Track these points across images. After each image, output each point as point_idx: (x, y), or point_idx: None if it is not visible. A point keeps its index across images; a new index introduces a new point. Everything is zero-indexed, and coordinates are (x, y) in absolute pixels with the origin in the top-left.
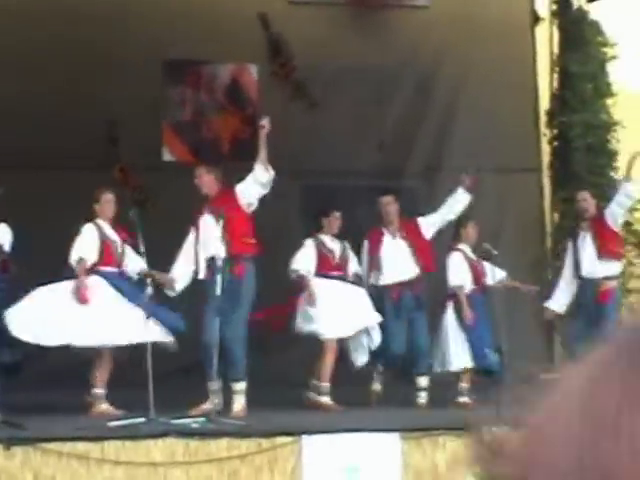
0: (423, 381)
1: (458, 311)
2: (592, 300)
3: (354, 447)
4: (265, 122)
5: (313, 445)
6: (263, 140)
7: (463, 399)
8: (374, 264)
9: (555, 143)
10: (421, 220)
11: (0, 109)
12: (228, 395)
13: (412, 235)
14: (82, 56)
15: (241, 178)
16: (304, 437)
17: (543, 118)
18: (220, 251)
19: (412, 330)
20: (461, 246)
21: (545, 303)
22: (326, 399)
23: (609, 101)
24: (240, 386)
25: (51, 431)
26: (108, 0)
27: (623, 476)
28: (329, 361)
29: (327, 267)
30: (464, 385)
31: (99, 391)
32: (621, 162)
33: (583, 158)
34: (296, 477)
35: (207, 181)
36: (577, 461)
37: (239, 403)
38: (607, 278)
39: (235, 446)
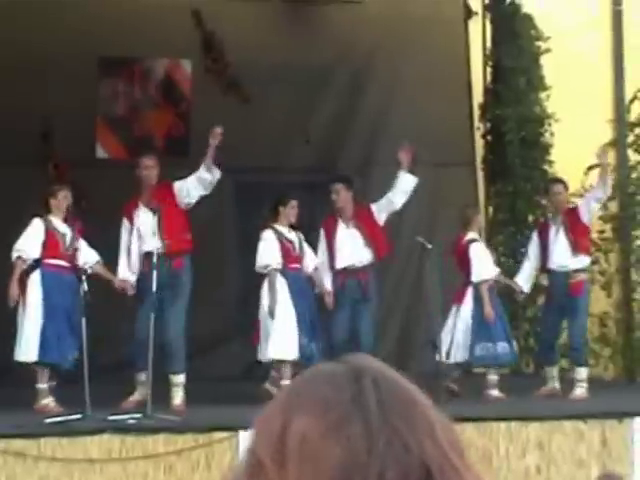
0: None
1: (476, 304)
2: (564, 293)
3: None
4: (219, 130)
5: None
6: (213, 145)
7: (492, 392)
8: (330, 251)
9: (489, 137)
10: (373, 206)
11: None
12: (167, 389)
13: (365, 222)
14: (17, 53)
15: (174, 174)
16: (241, 432)
17: (476, 112)
18: (157, 246)
19: (356, 320)
20: (476, 235)
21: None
22: None
23: (542, 94)
24: (179, 379)
25: None
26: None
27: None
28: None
29: (289, 259)
30: (492, 377)
31: (42, 386)
32: (554, 155)
33: (517, 151)
34: None
35: (150, 173)
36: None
37: (178, 396)
38: (577, 271)
39: (172, 442)
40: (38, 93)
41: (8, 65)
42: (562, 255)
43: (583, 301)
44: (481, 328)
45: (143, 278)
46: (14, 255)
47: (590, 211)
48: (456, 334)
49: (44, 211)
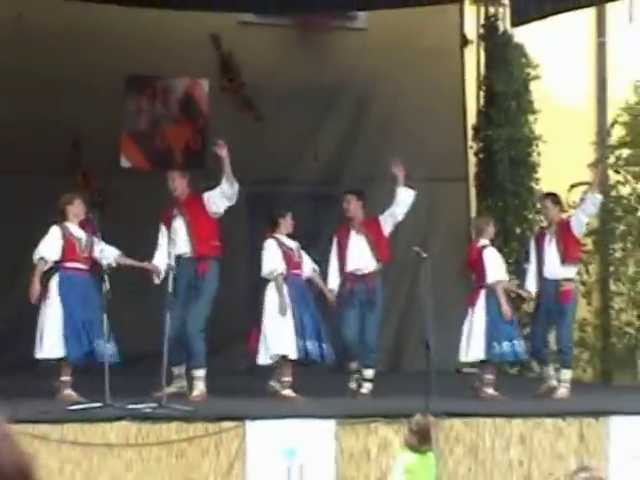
0: (369, 373)
1: (492, 307)
2: (553, 300)
3: (293, 432)
4: (221, 142)
5: (256, 429)
6: (226, 159)
7: (488, 390)
8: (341, 258)
9: (481, 155)
10: (381, 218)
11: None
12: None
13: (372, 231)
14: (51, 72)
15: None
16: (248, 422)
17: (470, 132)
18: (186, 251)
19: (363, 322)
20: (487, 242)
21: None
22: (288, 391)
23: (531, 117)
24: (199, 373)
25: (15, 414)
26: (73, 24)
27: None
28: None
29: (291, 265)
30: (489, 377)
31: (65, 378)
32: (541, 173)
33: (506, 169)
34: (240, 458)
35: (179, 184)
36: None
37: (198, 389)
38: (567, 279)
39: (184, 429)
40: (69, 108)
41: (43, 82)
42: (553, 264)
43: (571, 308)
44: (498, 327)
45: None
46: (36, 257)
47: (581, 224)
48: (473, 334)
49: (61, 218)
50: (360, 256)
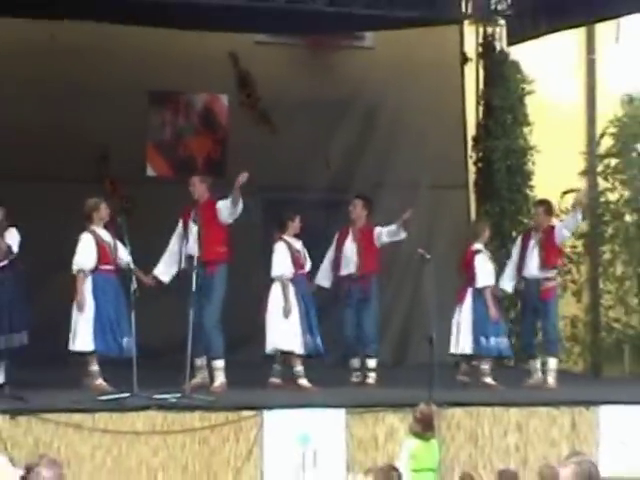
0: (372, 363)
1: (479, 305)
2: (536, 297)
3: (307, 420)
4: (246, 176)
5: (272, 418)
6: (238, 186)
7: (487, 379)
8: (336, 257)
9: (480, 164)
10: (376, 229)
11: (12, 134)
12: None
13: (365, 240)
14: (82, 87)
15: (212, 192)
16: (265, 411)
17: (470, 143)
18: (196, 252)
19: (360, 317)
20: (482, 246)
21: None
22: (303, 380)
23: (526, 129)
24: (219, 364)
25: (50, 403)
26: (101, 44)
27: None
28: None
29: (298, 266)
30: (484, 367)
31: (93, 368)
32: (535, 181)
33: (503, 177)
34: (257, 444)
35: (199, 189)
36: None
37: (219, 380)
38: (546, 279)
39: (206, 418)
40: (98, 120)
41: (74, 96)
42: (533, 266)
43: (553, 303)
44: (484, 324)
45: (188, 278)
46: (75, 268)
47: (562, 237)
48: (461, 329)
49: (88, 222)
50: (350, 261)
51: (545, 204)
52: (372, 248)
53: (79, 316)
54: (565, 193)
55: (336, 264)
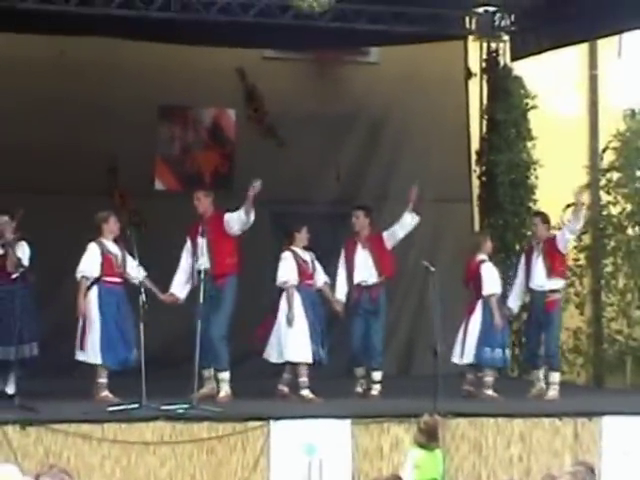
0: (377, 375)
1: (486, 316)
2: (541, 309)
3: (313, 430)
4: (259, 185)
5: (279, 428)
6: (251, 196)
7: (488, 391)
8: (349, 270)
9: (483, 178)
10: (384, 234)
11: (23, 148)
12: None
13: (376, 246)
14: (91, 102)
15: (219, 205)
16: (272, 422)
17: (474, 157)
18: (207, 266)
19: (368, 329)
20: (485, 257)
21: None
22: (306, 391)
23: (529, 144)
24: (224, 375)
25: (60, 414)
26: (110, 59)
27: None
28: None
29: (304, 276)
30: (488, 379)
31: (102, 380)
32: (538, 195)
33: (506, 191)
34: (264, 454)
35: (204, 203)
36: None
37: (224, 391)
38: (552, 291)
39: (214, 428)
40: (107, 135)
41: (84, 111)
42: (540, 277)
43: (556, 316)
44: (489, 335)
45: (196, 291)
46: (78, 275)
47: (565, 241)
48: (467, 341)
49: (97, 234)
50: (365, 269)
51: (541, 215)
52: (385, 252)
53: (85, 328)
54: (568, 206)
55: (349, 276)
